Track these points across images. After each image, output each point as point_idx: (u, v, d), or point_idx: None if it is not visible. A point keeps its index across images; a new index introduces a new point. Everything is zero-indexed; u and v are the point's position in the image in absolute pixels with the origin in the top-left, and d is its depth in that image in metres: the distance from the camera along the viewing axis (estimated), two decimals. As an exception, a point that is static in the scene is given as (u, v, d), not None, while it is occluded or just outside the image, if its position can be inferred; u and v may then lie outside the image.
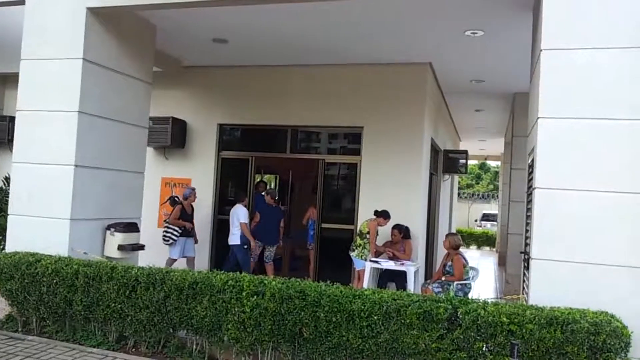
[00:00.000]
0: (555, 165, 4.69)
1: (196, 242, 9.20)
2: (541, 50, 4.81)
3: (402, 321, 4.46)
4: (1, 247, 6.68)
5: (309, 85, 9.12)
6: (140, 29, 7.14)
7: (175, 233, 8.79)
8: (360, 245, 8.10)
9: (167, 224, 8.85)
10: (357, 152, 8.97)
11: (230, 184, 10.13)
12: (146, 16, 7.05)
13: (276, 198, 9.91)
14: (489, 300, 4.62)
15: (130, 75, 6.99)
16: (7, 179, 7.23)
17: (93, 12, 6.33)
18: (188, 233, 8.96)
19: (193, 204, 9.20)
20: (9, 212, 6.45)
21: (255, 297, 4.86)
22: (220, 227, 9.62)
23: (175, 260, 8.73)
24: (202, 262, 9.34)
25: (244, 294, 4.90)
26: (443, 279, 7.71)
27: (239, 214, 8.91)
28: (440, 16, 6.61)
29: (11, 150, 10.28)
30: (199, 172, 9.76)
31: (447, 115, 12.62)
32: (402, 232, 8.13)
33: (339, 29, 7.24)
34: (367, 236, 8.04)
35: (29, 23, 6.56)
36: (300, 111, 9.15)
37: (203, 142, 9.77)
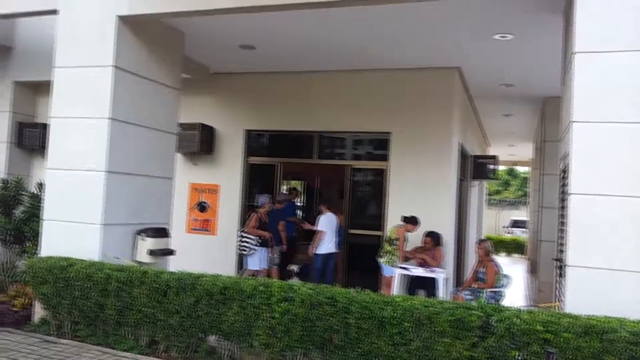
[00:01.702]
0: (590, 170, 4.58)
1: (275, 252, 9.04)
2: (574, 53, 4.72)
3: (434, 329, 4.39)
4: (35, 251, 6.80)
5: (336, 91, 9.11)
6: (169, 37, 7.22)
7: (254, 243, 8.55)
8: (388, 251, 8.03)
9: (243, 234, 8.63)
10: (385, 158, 8.91)
11: (257, 190, 10.15)
12: (175, 24, 7.13)
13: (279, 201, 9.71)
14: (523, 308, 4.53)
15: (160, 82, 7.07)
16: (40, 185, 7.36)
17: (123, 20, 6.43)
18: (266, 243, 8.73)
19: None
20: (42, 218, 6.57)
21: (285, 302, 4.85)
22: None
23: (254, 271, 8.52)
24: (230, 269, 9.36)
25: (273, 299, 4.89)
26: (474, 286, 7.60)
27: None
28: (469, 20, 6.55)
29: (43, 157, 10.54)
30: (227, 177, 9.82)
31: (476, 120, 12.49)
32: (435, 239, 8.03)
33: (367, 35, 7.22)
34: (396, 242, 7.98)
35: (62, 32, 6.68)
36: (327, 117, 9.14)
37: (231, 148, 9.83)
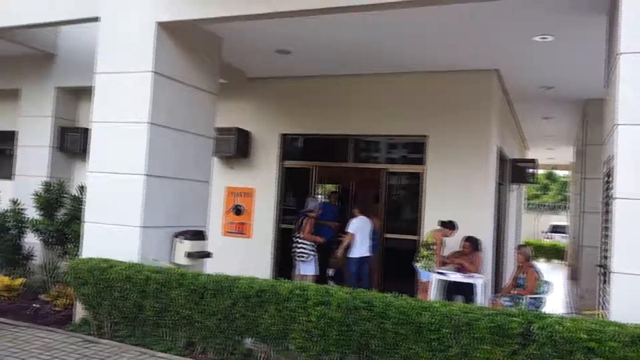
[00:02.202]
0: (637, 173, 4.43)
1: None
2: (619, 54, 4.58)
3: (473, 335, 4.31)
4: (76, 253, 6.95)
5: (372, 94, 9.07)
6: (207, 42, 7.31)
7: (311, 249, 8.54)
8: (425, 256, 7.93)
9: (299, 239, 8.60)
10: (421, 162, 8.82)
11: (293, 193, 10.19)
12: (212, 29, 7.21)
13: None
14: (565, 315, 4.40)
15: (198, 87, 7.15)
16: (82, 188, 7.53)
17: (162, 26, 6.54)
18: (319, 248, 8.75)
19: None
20: (83, 220, 6.72)
21: (321, 306, 4.83)
22: (283, 236, 9.68)
23: (308, 276, 8.50)
24: (265, 271, 9.40)
25: (309, 303, 4.88)
26: (514, 292, 7.44)
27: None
28: (508, 22, 6.43)
29: (84, 160, 10.80)
30: (262, 181, 9.88)
31: (514, 123, 12.26)
32: (473, 244, 7.90)
33: (403, 38, 7.18)
34: (433, 247, 7.87)
35: (103, 38, 6.83)
36: (363, 120, 9.11)
37: (266, 151, 9.89)
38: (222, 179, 9.92)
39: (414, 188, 9.02)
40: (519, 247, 8.16)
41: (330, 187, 12.03)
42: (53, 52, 10.73)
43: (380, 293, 4.87)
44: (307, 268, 8.58)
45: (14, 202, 7.79)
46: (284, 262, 9.57)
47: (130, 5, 6.66)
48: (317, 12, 5.96)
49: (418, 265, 8.02)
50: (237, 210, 9.90)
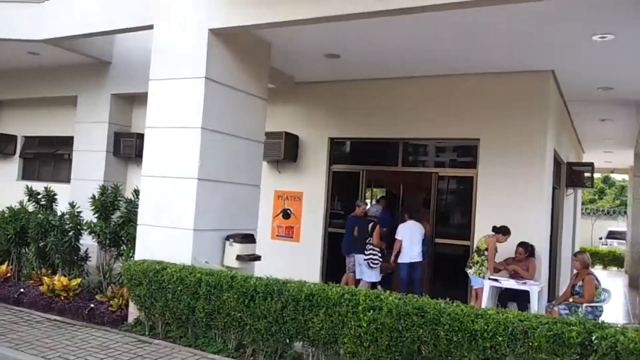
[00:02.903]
0: None
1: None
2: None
3: (530, 344, 4.17)
4: (131, 255, 7.12)
5: (421, 97, 8.96)
6: (257, 47, 7.38)
7: (380, 255, 8.65)
8: (477, 262, 7.75)
9: (372, 246, 8.66)
10: (473, 165, 8.64)
11: (341, 198, 10.16)
12: (262, 35, 7.28)
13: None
14: (627, 325, 4.20)
15: (248, 92, 7.23)
16: (136, 192, 7.71)
17: (214, 32, 6.64)
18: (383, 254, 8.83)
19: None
20: (138, 223, 6.88)
21: (371, 311, 4.78)
22: (332, 240, 9.65)
23: (375, 283, 8.65)
24: (314, 275, 9.39)
25: (360, 308, 4.84)
26: (571, 300, 7.17)
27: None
28: (566, 21, 6.23)
29: (138, 165, 11.12)
30: (310, 185, 9.89)
31: (570, 125, 11.86)
32: (528, 250, 7.67)
33: (454, 38, 7.05)
34: (485, 253, 7.68)
35: (156, 46, 6.99)
36: (412, 124, 9.00)
37: (314, 155, 9.90)
38: (271, 183, 9.99)
39: (465, 192, 8.84)
40: (576, 253, 7.86)
41: (379, 192, 11.92)
42: (108, 60, 11.09)
43: (432, 299, 4.78)
44: (372, 275, 8.65)
45: (72, 205, 8.05)
46: (332, 266, 9.55)
47: (183, 13, 6.80)
48: (367, 15, 5.90)
49: (470, 271, 7.84)
50: (286, 214, 9.95)
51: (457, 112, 8.64)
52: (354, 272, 9.17)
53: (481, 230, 8.12)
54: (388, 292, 4.98)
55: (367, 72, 8.97)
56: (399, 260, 8.67)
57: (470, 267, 7.84)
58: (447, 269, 8.96)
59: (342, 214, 9.82)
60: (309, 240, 9.71)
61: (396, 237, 8.73)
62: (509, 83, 8.27)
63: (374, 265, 8.60)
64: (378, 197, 11.09)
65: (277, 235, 10.05)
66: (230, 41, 6.85)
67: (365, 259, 8.66)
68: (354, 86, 9.52)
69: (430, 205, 9.21)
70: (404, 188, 11.95)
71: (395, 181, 11.79)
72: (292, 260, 9.58)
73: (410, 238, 8.67)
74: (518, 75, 8.18)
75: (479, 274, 7.71)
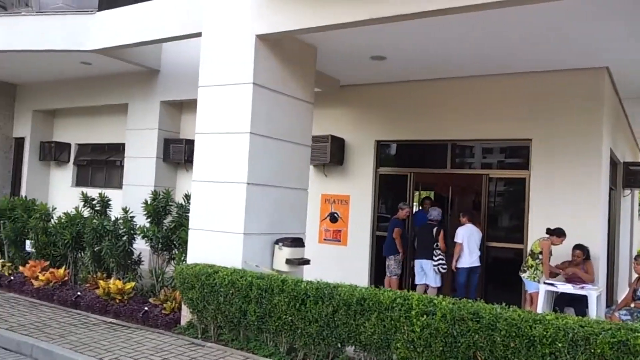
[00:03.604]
0: None
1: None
2: None
3: (592, 351, 4.03)
4: (182, 258, 7.24)
5: (470, 98, 8.79)
6: (302, 51, 7.40)
7: (444, 259, 8.71)
8: (532, 266, 7.53)
9: (440, 251, 8.70)
10: (525, 166, 8.42)
11: (388, 200, 10.07)
12: (308, 39, 7.28)
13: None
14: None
15: (294, 96, 7.25)
16: (187, 196, 7.85)
17: (261, 38, 6.70)
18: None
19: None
20: (189, 227, 6.99)
21: (425, 316, 4.71)
22: (380, 243, 9.58)
23: (431, 287, 8.70)
24: (362, 279, 9.34)
25: (413, 312, 4.77)
26: (632, 305, 6.88)
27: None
28: (621, 15, 5.99)
29: (187, 170, 11.34)
30: (357, 188, 9.84)
31: (626, 123, 11.43)
32: (584, 252, 7.41)
33: (503, 37, 6.90)
34: (540, 256, 7.46)
35: (205, 53, 7.09)
36: (461, 125, 8.84)
37: (361, 158, 9.85)
38: (317, 187, 9.99)
39: (517, 194, 8.62)
40: (637, 257, 7.54)
41: (424, 194, 11.79)
42: (157, 68, 11.35)
43: (487, 304, 4.67)
44: (438, 280, 8.68)
45: (125, 211, 8.25)
46: (380, 270, 9.47)
47: (231, 20, 6.89)
48: (414, 17, 5.84)
49: (524, 275, 7.63)
50: (333, 218, 9.93)
51: (508, 112, 8.44)
52: (396, 275, 9.10)
53: (535, 232, 7.90)
54: (442, 296, 4.90)
55: (414, 73, 8.87)
56: (458, 265, 8.54)
57: (525, 271, 7.63)
58: (499, 273, 8.75)
59: (389, 217, 9.74)
60: (357, 244, 9.66)
61: (456, 240, 8.59)
62: (562, 81, 8.02)
63: (444, 270, 8.58)
64: (423, 199, 10.96)
65: (324, 239, 10.05)
66: (277, 46, 6.89)
67: (435, 265, 8.64)
68: (400, 88, 9.43)
69: (481, 207, 9.02)
70: (452, 190, 11.79)
71: (444, 183, 11.66)
72: (340, 263, 9.57)
73: (470, 242, 8.52)
74: (571, 73, 7.93)
75: (534, 278, 7.49)
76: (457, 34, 6.89)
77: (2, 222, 9.57)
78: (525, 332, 4.29)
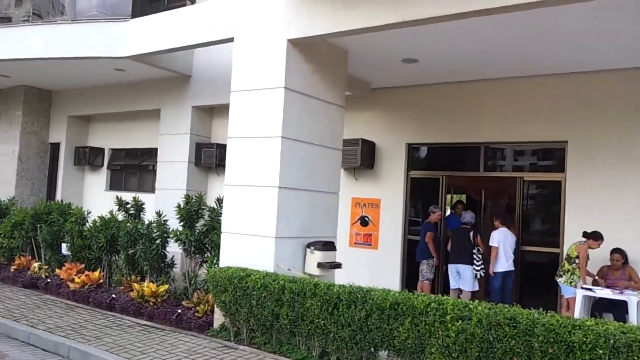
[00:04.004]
0: None
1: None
2: None
3: (635, 358, 3.93)
4: (214, 262, 7.29)
5: (503, 100, 8.66)
6: (333, 55, 7.40)
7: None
8: (568, 270, 7.37)
9: (481, 256, 8.65)
10: (561, 169, 8.24)
11: (420, 204, 9.99)
12: (339, 42, 7.28)
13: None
14: None
15: (325, 100, 7.26)
16: (219, 200, 7.91)
17: (292, 42, 6.72)
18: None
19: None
20: (221, 230, 7.04)
21: (460, 321, 4.65)
22: (411, 247, 9.50)
23: (466, 291, 8.68)
24: (393, 283, 9.27)
25: (447, 317, 4.72)
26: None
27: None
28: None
29: (218, 174, 11.44)
30: (388, 192, 9.78)
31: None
32: (624, 257, 7.22)
33: (538, 38, 6.76)
34: (576, 261, 7.30)
35: (237, 58, 7.15)
36: (494, 127, 8.71)
37: (392, 162, 9.79)
38: (348, 190, 9.95)
39: (552, 197, 8.45)
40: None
41: (456, 198, 11.65)
42: (188, 73, 11.49)
43: (524, 309, 4.58)
44: (476, 283, 8.61)
45: (158, 214, 8.36)
46: (412, 274, 9.39)
47: (262, 25, 6.93)
48: (446, 19, 5.78)
49: (560, 280, 7.47)
50: (363, 221, 9.89)
51: (542, 114, 8.28)
52: (428, 279, 9.01)
53: (571, 236, 7.72)
54: (477, 301, 4.83)
55: (446, 75, 8.79)
56: (494, 269, 8.42)
57: (561, 276, 7.47)
58: (534, 278, 8.59)
59: (421, 221, 9.67)
60: (388, 248, 9.60)
61: (491, 244, 8.46)
62: (600, 82, 7.82)
63: (483, 275, 8.52)
64: (455, 202, 10.84)
65: (355, 243, 10.01)
66: (308, 50, 6.91)
67: (477, 269, 8.57)
68: (432, 90, 9.34)
69: (515, 211, 8.87)
70: (485, 194, 11.62)
71: (476, 186, 11.50)
72: (371, 267, 9.52)
73: (505, 246, 8.39)
74: (610, 74, 7.72)
75: (570, 282, 7.33)
76: (492, 35, 6.79)
77: (39, 225, 9.78)
78: (564, 338, 4.21)
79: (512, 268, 8.34)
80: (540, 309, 4.57)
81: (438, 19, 5.75)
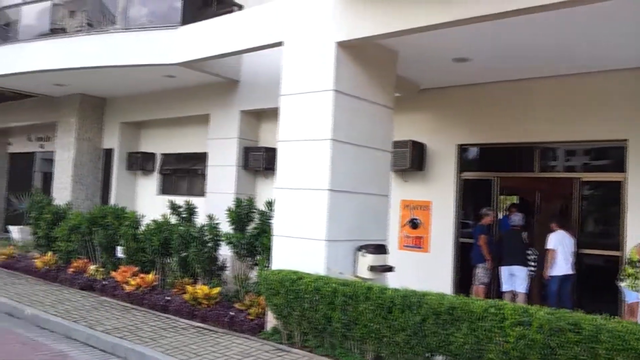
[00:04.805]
0: None
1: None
2: None
3: None
4: (265, 264, 7.33)
5: (558, 98, 8.38)
6: (382, 56, 7.34)
7: None
8: (631, 274, 7.07)
9: (535, 257, 8.64)
10: (620, 169, 7.91)
11: (472, 206, 9.78)
12: (388, 44, 7.21)
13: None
14: None
15: (375, 101, 7.21)
16: (269, 203, 7.96)
17: (341, 45, 6.71)
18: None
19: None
20: (272, 233, 7.08)
21: (519, 327, 4.52)
22: (464, 250, 9.32)
23: (522, 293, 8.63)
24: (445, 287, 9.10)
25: (506, 323, 4.60)
26: None
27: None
28: None
29: (266, 177, 11.51)
30: (438, 194, 9.61)
31: None
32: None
33: (595, 34, 6.53)
34: (638, 264, 7.00)
35: (286, 61, 7.18)
36: (549, 126, 8.44)
37: (442, 163, 9.62)
38: (397, 193, 9.80)
39: (612, 198, 8.11)
40: None
41: (510, 199, 11.38)
42: (237, 78, 11.62)
43: (588, 315, 4.41)
44: (527, 285, 8.53)
45: (210, 217, 8.48)
46: (464, 278, 9.20)
47: (311, 28, 6.94)
48: (498, 17, 5.66)
49: (623, 284, 7.17)
50: (413, 224, 9.76)
51: (599, 112, 7.97)
52: (483, 283, 8.81)
53: (632, 239, 7.39)
54: (537, 306, 4.67)
55: (498, 74, 8.57)
56: (550, 273, 8.20)
57: (623, 280, 7.18)
58: (593, 282, 8.28)
59: (473, 224, 9.47)
60: (439, 251, 9.43)
61: (548, 246, 8.24)
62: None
63: (534, 276, 8.47)
64: (509, 204, 10.58)
65: (404, 246, 9.88)
66: (357, 52, 6.88)
67: (532, 270, 8.47)
68: (483, 89, 9.13)
69: (572, 212, 8.58)
70: (540, 195, 11.30)
71: (531, 188, 11.19)
72: (421, 271, 9.35)
73: (563, 248, 8.15)
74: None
75: (633, 287, 7.03)
76: (542, 33, 6.60)
77: (94, 229, 10.07)
78: (632, 345, 4.05)
79: (571, 272, 8.08)
80: (604, 315, 4.39)
81: (490, 17, 5.64)
